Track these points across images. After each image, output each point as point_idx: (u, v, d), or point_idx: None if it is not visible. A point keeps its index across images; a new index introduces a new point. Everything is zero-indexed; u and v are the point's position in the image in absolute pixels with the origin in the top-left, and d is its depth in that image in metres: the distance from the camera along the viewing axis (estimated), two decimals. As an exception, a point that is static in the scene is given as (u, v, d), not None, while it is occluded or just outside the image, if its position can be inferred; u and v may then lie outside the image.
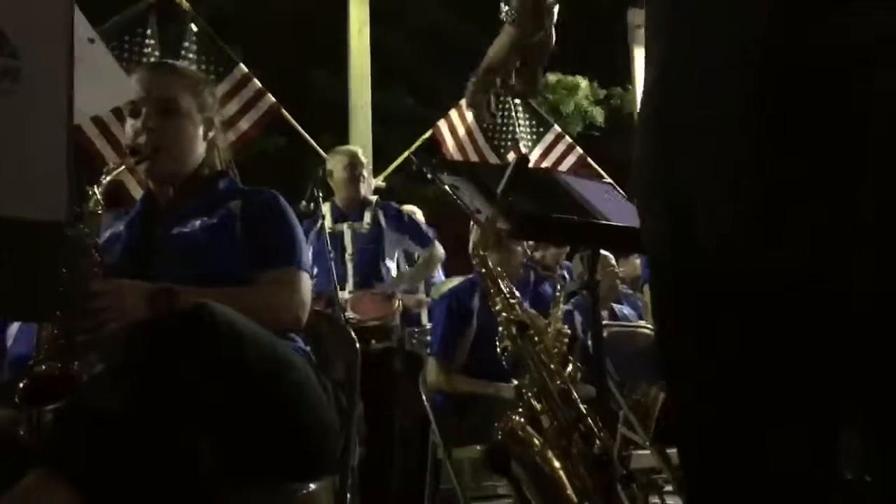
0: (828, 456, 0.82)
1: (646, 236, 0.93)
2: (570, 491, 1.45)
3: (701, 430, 0.85)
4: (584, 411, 1.49)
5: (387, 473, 3.80)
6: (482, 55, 1.36)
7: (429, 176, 1.94)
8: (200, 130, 1.81)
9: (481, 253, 1.64)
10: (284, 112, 5.51)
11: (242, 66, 5.35)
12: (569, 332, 3.28)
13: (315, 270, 3.87)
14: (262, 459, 1.39)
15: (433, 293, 4.22)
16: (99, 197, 1.53)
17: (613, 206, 2.04)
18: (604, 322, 3.24)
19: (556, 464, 1.48)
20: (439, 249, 4.04)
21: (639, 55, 7.75)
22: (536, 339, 1.58)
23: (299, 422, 1.45)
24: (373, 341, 3.62)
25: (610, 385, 2.65)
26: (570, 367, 2.93)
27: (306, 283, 1.70)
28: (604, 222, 1.85)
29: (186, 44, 5.19)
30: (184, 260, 1.64)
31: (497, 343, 1.59)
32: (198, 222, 1.70)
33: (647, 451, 2.35)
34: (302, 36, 11.64)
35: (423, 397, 3.45)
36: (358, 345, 1.84)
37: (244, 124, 5.29)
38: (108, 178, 1.55)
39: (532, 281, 4.53)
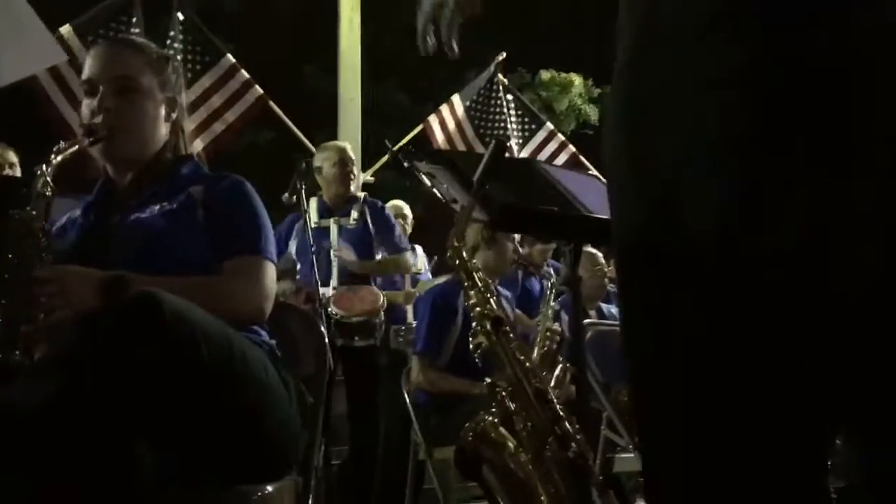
0: (823, 457, 0.79)
1: (623, 229, 0.87)
2: (543, 497, 1.36)
3: (697, 426, 0.79)
4: (561, 413, 1.41)
5: (370, 472, 3.73)
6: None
7: (405, 164, 1.86)
8: (162, 111, 1.70)
9: (455, 244, 1.55)
10: (272, 104, 5.43)
11: (230, 56, 5.26)
12: (559, 329, 3.22)
13: (299, 266, 3.81)
14: (211, 460, 1.29)
15: (418, 289, 4.13)
16: (48, 178, 1.43)
17: (598, 198, 1.96)
18: (590, 321, 3.17)
19: (530, 468, 1.39)
20: (409, 259, 3.95)
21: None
22: (512, 335, 1.49)
23: (253, 419, 1.36)
24: (356, 338, 3.54)
25: (593, 385, 2.56)
26: (558, 369, 2.86)
27: (270, 273, 1.60)
28: (587, 215, 1.77)
29: (172, 33, 5.10)
30: (141, 247, 1.55)
31: (470, 339, 1.50)
32: (157, 208, 1.60)
33: (632, 455, 2.27)
34: (297, 31, 11.53)
35: (406, 396, 3.38)
36: (338, 342, 1.75)
37: (230, 116, 5.21)
38: (59, 159, 1.45)
39: (521, 278, 4.46)
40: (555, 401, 1.43)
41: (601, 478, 1.43)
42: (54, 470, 1.07)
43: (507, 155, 2.26)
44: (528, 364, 1.47)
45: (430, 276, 4.69)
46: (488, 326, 1.49)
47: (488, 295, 1.54)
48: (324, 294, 3.52)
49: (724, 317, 0.75)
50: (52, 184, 1.43)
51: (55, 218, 1.73)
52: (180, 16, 5.14)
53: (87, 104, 1.62)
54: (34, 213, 1.41)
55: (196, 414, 1.24)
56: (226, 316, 1.44)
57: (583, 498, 1.38)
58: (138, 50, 1.68)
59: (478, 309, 1.52)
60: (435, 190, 1.74)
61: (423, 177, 1.73)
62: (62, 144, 1.48)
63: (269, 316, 1.67)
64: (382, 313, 3.64)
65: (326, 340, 1.75)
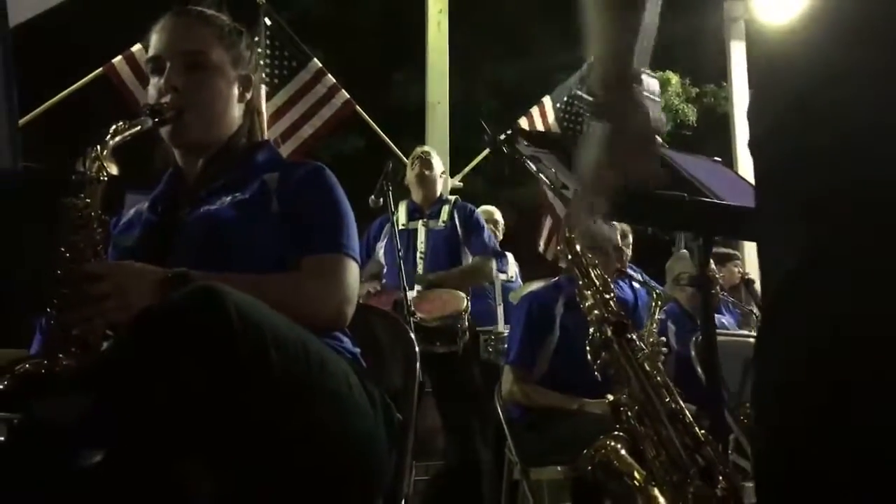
0: None
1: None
2: (683, 544, 1.11)
3: None
4: (704, 439, 1.15)
5: (462, 491, 3.50)
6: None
7: (504, 149, 1.63)
8: (235, 90, 1.53)
9: (569, 235, 1.31)
10: (359, 108, 5.30)
11: (316, 60, 5.16)
12: (665, 344, 2.93)
13: (386, 269, 3.66)
14: (281, 486, 1.09)
15: (511, 297, 3.89)
16: (103, 162, 1.26)
17: (726, 184, 1.70)
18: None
19: (665, 506, 1.13)
20: (490, 265, 3.73)
21: (735, 50, 7.25)
22: (639, 343, 1.24)
23: (331, 438, 1.15)
24: (437, 343, 3.34)
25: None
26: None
27: (353, 273, 1.39)
28: (719, 202, 1.51)
29: (258, 39, 5.03)
30: (208, 242, 1.37)
31: (588, 347, 1.26)
32: (227, 198, 1.42)
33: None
34: (385, 38, 11.50)
35: (499, 411, 3.13)
36: (417, 348, 1.54)
37: (317, 121, 5.11)
38: (116, 140, 1.29)
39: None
40: (694, 424, 1.17)
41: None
42: (89, 498, 0.88)
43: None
44: (658, 378, 1.22)
45: (521, 284, 4.45)
46: (609, 332, 1.24)
47: (607, 295, 1.30)
48: (410, 298, 3.35)
49: None
50: (106, 168, 1.26)
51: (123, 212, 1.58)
52: (267, 21, 5.07)
53: (153, 83, 1.46)
54: (88, 200, 1.24)
55: (262, 431, 1.04)
56: (302, 320, 1.25)
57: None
58: (208, 22, 1.51)
59: (596, 312, 1.27)
60: (541, 176, 1.51)
61: (526, 161, 1.50)
62: (121, 124, 1.31)
63: (352, 321, 1.47)
64: (466, 319, 3.42)
65: (417, 349, 1.53)
